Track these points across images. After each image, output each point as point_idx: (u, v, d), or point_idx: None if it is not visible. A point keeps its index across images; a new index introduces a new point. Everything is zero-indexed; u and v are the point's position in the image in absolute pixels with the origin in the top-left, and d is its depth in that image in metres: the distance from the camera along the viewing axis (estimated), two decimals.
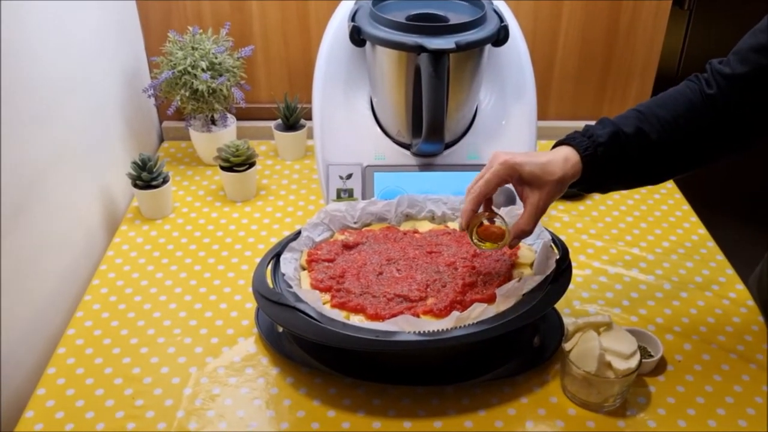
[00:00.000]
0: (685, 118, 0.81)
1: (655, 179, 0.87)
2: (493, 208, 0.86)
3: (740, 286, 1.05)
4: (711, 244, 1.14)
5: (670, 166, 0.84)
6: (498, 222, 0.84)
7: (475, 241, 0.85)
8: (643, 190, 1.29)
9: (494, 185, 0.81)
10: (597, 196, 1.27)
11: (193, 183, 1.30)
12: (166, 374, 0.89)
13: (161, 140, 1.46)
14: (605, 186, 0.85)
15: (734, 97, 0.79)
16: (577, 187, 0.83)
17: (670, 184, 1.31)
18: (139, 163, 1.16)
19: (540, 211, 0.81)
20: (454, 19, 1.02)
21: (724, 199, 1.62)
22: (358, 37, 1.02)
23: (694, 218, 1.21)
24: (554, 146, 0.83)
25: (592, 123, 0.83)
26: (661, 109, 0.82)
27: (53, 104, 1.00)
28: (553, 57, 1.40)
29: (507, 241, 0.83)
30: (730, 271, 1.08)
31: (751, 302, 1.02)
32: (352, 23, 1.02)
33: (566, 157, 0.80)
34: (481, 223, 0.84)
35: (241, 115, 1.39)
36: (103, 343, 0.94)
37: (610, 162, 0.80)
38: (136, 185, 1.17)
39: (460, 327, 0.79)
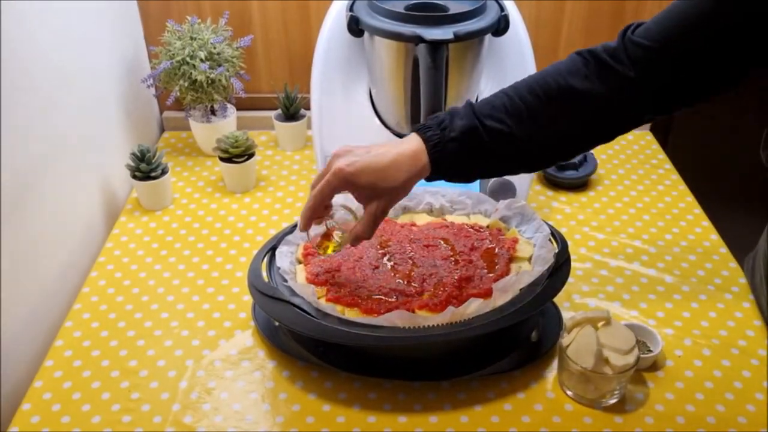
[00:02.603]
0: (559, 108, 0.72)
1: (522, 169, 0.81)
2: (340, 205, 0.82)
3: (743, 280, 1.03)
4: (715, 236, 1.13)
5: (537, 158, 0.77)
6: (335, 225, 0.82)
7: (319, 247, 0.84)
8: (647, 181, 1.27)
9: (329, 195, 0.75)
10: (600, 187, 1.26)
11: (193, 174, 1.30)
12: (162, 367, 0.89)
13: (162, 130, 1.45)
14: (459, 178, 0.78)
15: (649, 69, 0.70)
16: (429, 180, 0.76)
17: (674, 175, 1.29)
18: (138, 154, 1.15)
19: (379, 218, 0.76)
20: (454, 8, 1.01)
21: (727, 186, 1.60)
22: (356, 27, 1.01)
23: (698, 210, 1.20)
24: (413, 130, 0.76)
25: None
26: (533, 96, 0.73)
27: (52, 95, 1.00)
28: (556, 47, 1.38)
29: (343, 245, 0.83)
30: (734, 264, 1.07)
31: (753, 296, 1.00)
32: (350, 13, 1.01)
33: (415, 154, 0.72)
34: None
35: (241, 105, 1.38)
36: (101, 336, 0.94)
37: (462, 158, 0.73)
38: (135, 176, 1.16)
39: (455, 322, 0.79)
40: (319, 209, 0.77)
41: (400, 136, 1.10)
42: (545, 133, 0.74)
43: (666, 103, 0.73)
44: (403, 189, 0.74)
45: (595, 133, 0.76)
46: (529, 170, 0.81)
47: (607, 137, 0.77)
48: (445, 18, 0.97)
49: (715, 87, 0.72)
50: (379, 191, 0.74)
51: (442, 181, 1.00)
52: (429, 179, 0.76)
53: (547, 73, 0.74)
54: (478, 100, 1.05)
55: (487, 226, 0.96)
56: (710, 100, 0.73)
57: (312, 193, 0.76)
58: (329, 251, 0.84)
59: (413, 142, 0.74)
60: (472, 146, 0.73)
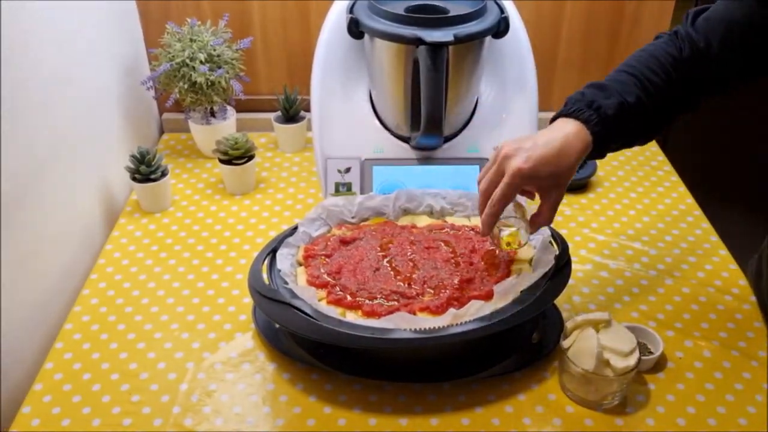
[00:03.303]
0: (675, 82, 0.81)
1: (641, 142, 0.87)
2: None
3: (743, 282, 1.03)
4: (714, 238, 1.13)
5: (656, 129, 0.85)
6: (513, 221, 0.85)
7: (502, 245, 0.87)
8: (647, 182, 1.28)
9: (512, 196, 0.79)
10: (600, 189, 1.26)
11: (193, 176, 1.30)
12: (162, 370, 0.89)
13: (161, 132, 1.45)
14: (609, 151, 0.83)
15: (701, 63, 0.81)
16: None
17: (674, 177, 1.30)
18: (138, 156, 1.15)
19: (558, 203, 0.82)
20: (454, 10, 1.01)
21: (727, 188, 1.60)
22: (356, 29, 1.01)
23: (698, 212, 1.20)
24: (557, 116, 0.81)
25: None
26: (653, 74, 0.81)
27: (51, 97, 1.00)
28: (555, 48, 1.38)
29: (527, 237, 0.85)
30: (734, 266, 1.07)
31: (754, 298, 1.00)
32: (350, 15, 1.01)
33: (578, 134, 0.77)
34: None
35: (241, 107, 1.38)
36: (101, 338, 0.94)
37: (614, 134, 0.80)
38: (134, 179, 1.16)
39: (456, 324, 0.79)
40: (501, 212, 0.80)
41: (401, 138, 1.10)
42: (665, 100, 0.81)
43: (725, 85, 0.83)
44: (573, 169, 0.79)
45: (693, 98, 0.84)
46: (653, 137, 0.87)
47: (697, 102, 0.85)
48: (445, 20, 0.97)
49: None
50: (558, 181, 0.79)
51: (441, 184, 1.00)
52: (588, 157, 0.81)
53: (654, 51, 0.82)
54: (479, 102, 1.04)
55: None
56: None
57: (496, 199, 0.78)
58: (513, 246, 0.87)
59: (570, 125, 0.78)
60: (622, 123, 0.79)
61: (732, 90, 0.84)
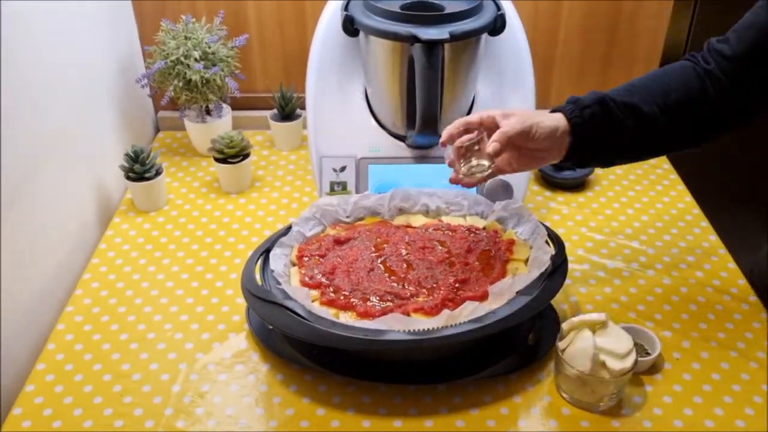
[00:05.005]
0: (677, 91, 0.81)
1: (644, 154, 0.86)
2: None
3: (742, 281, 1.03)
4: (713, 237, 1.12)
5: (655, 142, 0.84)
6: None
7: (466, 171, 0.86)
8: (645, 181, 1.27)
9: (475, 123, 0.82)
10: (598, 187, 1.25)
11: (188, 174, 1.29)
12: (155, 371, 0.88)
13: (157, 131, 1.44)
14: (592, 156, 0.84)
15: (732, 76, 0.79)
16: (566, 161, 0.83)
17: (673, 175, 1.29)
18: (132, 155, 1.14)
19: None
20: (450, 8, 1.00)
21: (726, 186, 1.59)
22: (351, 26, 1.00)
23: (697, 210, 1.19)
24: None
25: None
26: (653, 83, 0.82)
27: (45, 94, 0.99)
28: (554, 45, 1.37)
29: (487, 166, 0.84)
30: (732, 265, 1.06)
31: (753, 297, 0.99)
32: (345, 13, 1.00)
33: (554, 117, 0.80)
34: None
35: (237, 105, 1.37)
36: (93, 339, 0.93)
37: (596, 128, 0.80)
38: (129, 177, 1.15)
39: (450, 326, 0.78)
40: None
41: (397, 137, 1.09)
42: (664, 112, 0.81)
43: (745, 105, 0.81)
44: (540, 139, 0.80)
45: (696, 128, 0.83)
46: (652, 152, 0.88)
47: (709, 132, 0.84)
48: (441, 17, 0.96)
49: None
50: (523, 140, 0.80)
51: (437, 183, 0.99)
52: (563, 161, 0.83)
53: (660, 69, 0.85)
54: (476, 100, 1.04)
55: (484, 228, 0.95)
56: None
57: (495, 141, 0.79)
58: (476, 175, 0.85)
59: (553, 115, 0.81)
60: (603, 115, 0.80)
61: (745, 123, 0.83)
